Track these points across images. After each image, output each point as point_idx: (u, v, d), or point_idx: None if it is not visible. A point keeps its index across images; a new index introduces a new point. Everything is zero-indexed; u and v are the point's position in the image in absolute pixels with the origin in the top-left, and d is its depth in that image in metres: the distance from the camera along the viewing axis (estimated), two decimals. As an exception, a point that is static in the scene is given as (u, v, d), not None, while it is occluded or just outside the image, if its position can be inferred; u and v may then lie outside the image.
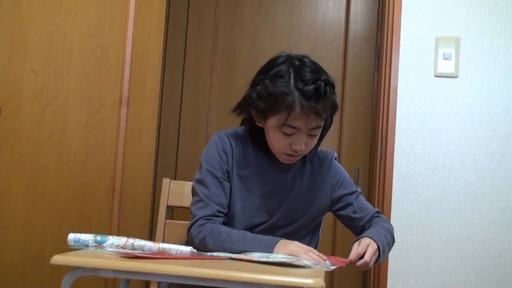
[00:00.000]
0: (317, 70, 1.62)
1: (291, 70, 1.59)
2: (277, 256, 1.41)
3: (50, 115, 2.17)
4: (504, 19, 2.51)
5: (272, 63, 1.65)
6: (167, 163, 3.28)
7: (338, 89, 3.12)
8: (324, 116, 1.60)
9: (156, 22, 2.65)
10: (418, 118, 2.52)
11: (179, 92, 3.31)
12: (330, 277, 3.06)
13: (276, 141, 1.63)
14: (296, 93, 1.55)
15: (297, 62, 1.62)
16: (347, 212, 1.78)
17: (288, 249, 1.45)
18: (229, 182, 1.70)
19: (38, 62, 2.13)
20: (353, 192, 1.80)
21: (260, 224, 1.70)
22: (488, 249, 2.46)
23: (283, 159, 1.68)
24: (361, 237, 1.62)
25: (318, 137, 1.66)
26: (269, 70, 1.63)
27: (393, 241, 1.76)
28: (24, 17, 2.07)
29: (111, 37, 2.40)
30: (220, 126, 3.23)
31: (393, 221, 2.48)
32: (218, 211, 1.65)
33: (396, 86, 2.53)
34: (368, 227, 1.73)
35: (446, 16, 2.53)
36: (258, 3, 3.28)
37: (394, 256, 2.48)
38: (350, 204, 1.78)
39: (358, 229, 1.77)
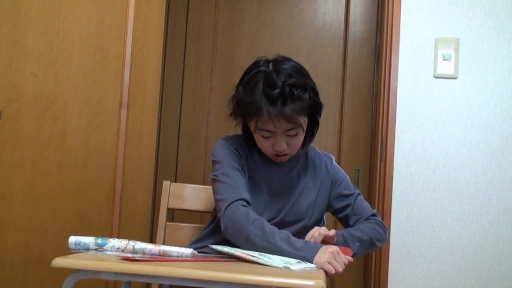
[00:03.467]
0: (291, 74, 1.64)
1: (261, 77, 1.64)
2: (274, 261, 1.41)
3: (50, 118, 2.17)
4: (503, 20, 2.51)
5: (250, 68, 1.72)
6: (167, 166, 3.28)
7: (337, 90, 3.16)
8: (296, 119, 1.63)
9: (156, 25, 2.65)
10: (418, 119, 2.52)
11: (179, 95, 3.31)
12: (331, 278, 3.06)
13: (259, 143, 1.71)
14: (263, 99, 1.60)
15: (271, 67, 1.66)
16: (345, 213, 1.83)
17: (327, 257, 1.43)
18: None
19: (38, 65, 2.13)
20: (352, 194, 1.84)
21: (268, 221, 1.71)
22: (488, 250, 2.46)
23: (274, 159, 1.74)
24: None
25: (300, 136, 1.70)
26: (245, 77, 1.70)
27: (372, 244, 1.76)
28: (24, 21, 2.07)
29: (111, 40, 2.40)
30: (220, 128, 3.23)
31: (394, 222, 2.49)
32: (248, 199, 1.65)
33: (396, 87, 2.53)
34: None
35: (445, 17, 2.53)
36: (257, 5, 3.28)
37: (394, 257, 2.49)
38: (348, 205, 1.83)
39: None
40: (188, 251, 1.42)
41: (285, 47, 3.19)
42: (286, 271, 1.32)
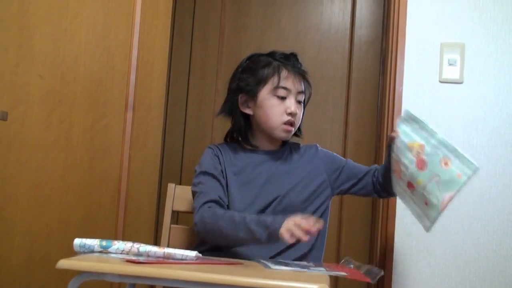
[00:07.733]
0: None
1: (265, 54, 1.88)
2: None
3: (57, 120, 2.18)
4: (509, 25, 2.51)
5: (243, 61, 1.93)
6: (172, 168, 3.29)
7: (343, 94, 3.17)
8: (306, 81, 1.85)
9: (162, 27, 2.66)
10: (423, 123, 2.52)
11: (185, 97, 3.32)
12: (334, 282, 3.06)
13: (272, 108, 1.80)
14: (278, 59, 1.83)
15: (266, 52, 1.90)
16: (350, 183, 1.91)
17: (288, 229, 1.50)
18: (224, 179, 1.81)
19: (45, 67, 2.14)
20: (345, 164, 1.93)
21: (261, 210, 1.77)
22: (492, 255, 2.46)
23: (280, 131, 1.82)
24: None
25: (301, 110, 1.85)
26: (243, 63, 1.91)
27: None
28: (31, 23, 2.08)
29: (117, 42, 2.41)
30: (225, 130, 3.23)
31: (398, 225, 2.48)
32: (220, 197, 1.74)
33: (401, 92, 2.53)
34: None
35: (451, 22, 2.53)
36: (263, 9, 3.29)
37: (398, 261, 2.48)
38: (351, 177, 1.91)
39: (369, 186, 1.92)
40: (193, 253, 1.43)
41: (291, 50, 3.19)
42: (291, 274, 1.32)
